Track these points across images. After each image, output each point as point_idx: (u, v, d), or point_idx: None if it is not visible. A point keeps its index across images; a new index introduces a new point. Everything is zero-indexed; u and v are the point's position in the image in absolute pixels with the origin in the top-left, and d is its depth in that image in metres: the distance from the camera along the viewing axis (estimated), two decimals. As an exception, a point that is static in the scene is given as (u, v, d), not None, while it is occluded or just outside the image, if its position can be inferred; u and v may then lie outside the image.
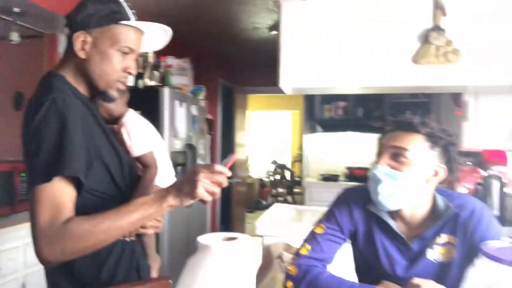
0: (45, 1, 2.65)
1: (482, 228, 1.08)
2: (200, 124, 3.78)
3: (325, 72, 2.06)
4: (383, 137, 1.18)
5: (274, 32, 4.02)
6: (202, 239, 0.64)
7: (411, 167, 1.10)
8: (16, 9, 2.66)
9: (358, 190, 1.26)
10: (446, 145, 1.13)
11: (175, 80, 3.55)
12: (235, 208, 5.61)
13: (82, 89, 1.07)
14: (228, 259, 0.61)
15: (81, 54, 1.03)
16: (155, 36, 1.14)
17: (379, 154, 1.15)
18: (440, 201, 1.14)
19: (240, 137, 5.82)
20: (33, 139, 0.93)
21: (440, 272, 1.10)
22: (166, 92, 3.07)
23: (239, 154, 5.82)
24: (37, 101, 0.96)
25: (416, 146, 1.11)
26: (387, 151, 1.13)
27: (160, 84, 3.28)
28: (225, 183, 0.97)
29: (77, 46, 1.02)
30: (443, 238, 1.12)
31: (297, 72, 2.09)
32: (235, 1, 3.35)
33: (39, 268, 1.12)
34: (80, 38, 1.02)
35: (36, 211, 0.89)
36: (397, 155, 1.11)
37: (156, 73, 3.31)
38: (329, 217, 1.24)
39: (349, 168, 4.76)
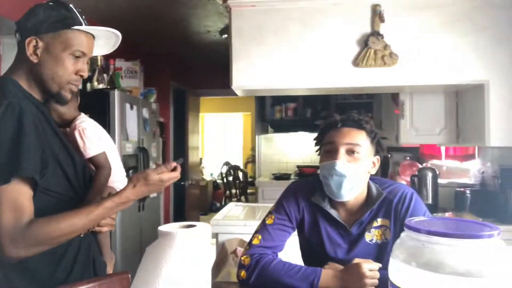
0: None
1: (411, 210, 1.22)
2: (151, 127, 3.76)
3: (274, 74, 2.17)
4: (332, 135, 1.25)
5: (225, 36, 4.09)
6: (163, 227, 0.69)
7: (362, 161, 1.21)
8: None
9: (304, 184, 1.37)
10: (379, 139, 1.27)
11: (125, 82, 3.51)
12: (189, 211, 5.60)
13: (35, 93, 1.09)
14: (192, 244, 0.66)
15: (33, 59, 1.05)
16: (106, 39, 1.18)
17: (334, 151, 1.22)
18: (374, 188, 1.26)
19: (193, 140, 5.82)
20: None
21: (378, 252, 1.23)
22: (115, 95, 3.03)
23: (192, 157, 5.82)
24: None
25: (363, 141, 1.23)
26: (342, 147, 1.21)
27: (110, 87, 3.23)
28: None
29: (29, 50, 1.04)
30: (379, 221, 1.25)
31: (248, 74, 2.18)
32: (186, 4, 3.38)
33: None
34: (32, 43, 1.05)
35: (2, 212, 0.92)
36: (351, 151, 1.21)
37: (105, 76, 3.26)
38: (278, 208, 1.33)
39: (299, 167, 4.94)
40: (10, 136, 0.94)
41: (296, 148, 5.24)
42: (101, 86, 3.16)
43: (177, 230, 0.73)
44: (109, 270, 1.35)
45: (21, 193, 0.95)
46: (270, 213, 1.33)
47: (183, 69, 5.58)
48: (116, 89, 3.13)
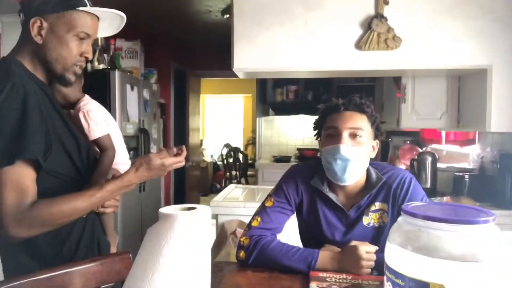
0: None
1: (409, 195, 1.23)
2: (152, 108, 3.76)
3: (275, 56, 2.15)
4: (333, 119, 1.25)
5: (226, 16, 4.04)
6: (163, 209, 0.71)
7: (364, 145, 1.22)
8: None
9: (303, 167, 1.38)
10: (378, 123, 1.28)
11: (126, 63, 3.49)
12: (189, 192, 5.65)
13: (39, 74, 1.09)
14: (193, 226, 0.68)
15: (38, 40, 1.05)
16: (110, 21, 1.17)
17: (337, 135, 1.22)
18: (373, 173, 1.28)
19: (193, 121, 5.82)
20: None
21: (375, 235, 1.25)
22: (116, 75, 3.02)
23: (193, 138, 5.83)
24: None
25: (365, 125, 1.24)
26: (345, 131, 1.21)
27: (110, 67, 3.21)
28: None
29: (34, 31, 1.04)
30: (377, 205, 1.26)
31: (249, 56, 2.16)
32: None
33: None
34: (36, 24, 1.04)
35: (2, 193, 0.93)
36: (354, 135, 1.22)
37: (106, 56, 3.24)
38: (278, 191, 1.34)
39: (300, 149, 4.95)
40: (14, 118, 0.95)
41: (296, 131, 5.25)
42: (101, 66, 3.14)
43: (178, 212, 0.74)
44: (113, 250, 1.38)
45: (24, 175, 0.96)
46: (269, 196, 1.35)
47: (184, 50, 5.53)
48: (116, 70, 3.11)
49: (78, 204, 1.01)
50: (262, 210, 1.32)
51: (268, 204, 1.32)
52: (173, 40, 5.15)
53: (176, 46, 5.30)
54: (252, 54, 2.15)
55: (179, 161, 1.11)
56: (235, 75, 2.32)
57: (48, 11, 1.04)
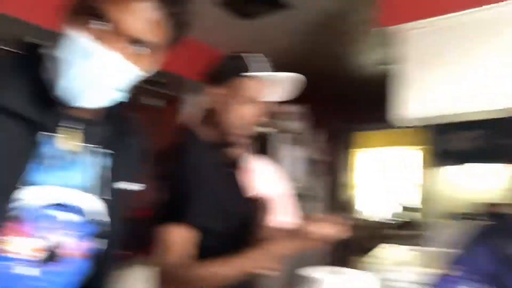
0: (173, 67, 2.96)
1: None
2: (314, 167, 3.77)
3: (452, 98, 1.89)
4: None
5: (385, 65, 3.90)
6: (307, 272, 0.61)
7: None
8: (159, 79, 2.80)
9: (495, 229, 1.09)
10: None
11: (291, 124, 3.63)
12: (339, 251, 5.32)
13: (210, 137, 1.17)
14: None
15: (211, 106, 1.14)
16: (284, 85, 1.17)
17: None
18: None
19: (353, 177, 5.64)
20: (164, 189, 1.05)
21: None
22: (277, 135, 3.14)
23: (351, 195, 5.59)
24: (173, 154, 1.10)
25: None
26: None
27: (272, 127, 3.37)
28: None
29: (208, 99, 1.14)
30: None
31: (420, 102, 1.94)
32: (342, 41, 3.35)
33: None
34: (211, 92, 1.14)
35: (163, 252, 0.99)
36: None
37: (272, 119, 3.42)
38: (462, 259, 1.08)
39: (492, 205, 4.12)
40: (185, 185, 1.03)
41: (483, 183, 4.43)
42: (265, 129, 3.32)
43: (324, 276, 0.62)
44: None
45: (186, 237, 1.00)
46: (450, 264, 1.09)
47: (344, 106, 5.52)
48: (277, 130, 3.24)
49: (219, 271, 0.98)
50: (441, 282, 1.07)
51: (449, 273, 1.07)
52: (336, 98, 5.20)
53: (338, 103, 5.33)
54: (426, 100, 1.93)
55: (337, 232, 0.98)
56: (396, 127, 2.12)
57: (223, 80, 1.13)
